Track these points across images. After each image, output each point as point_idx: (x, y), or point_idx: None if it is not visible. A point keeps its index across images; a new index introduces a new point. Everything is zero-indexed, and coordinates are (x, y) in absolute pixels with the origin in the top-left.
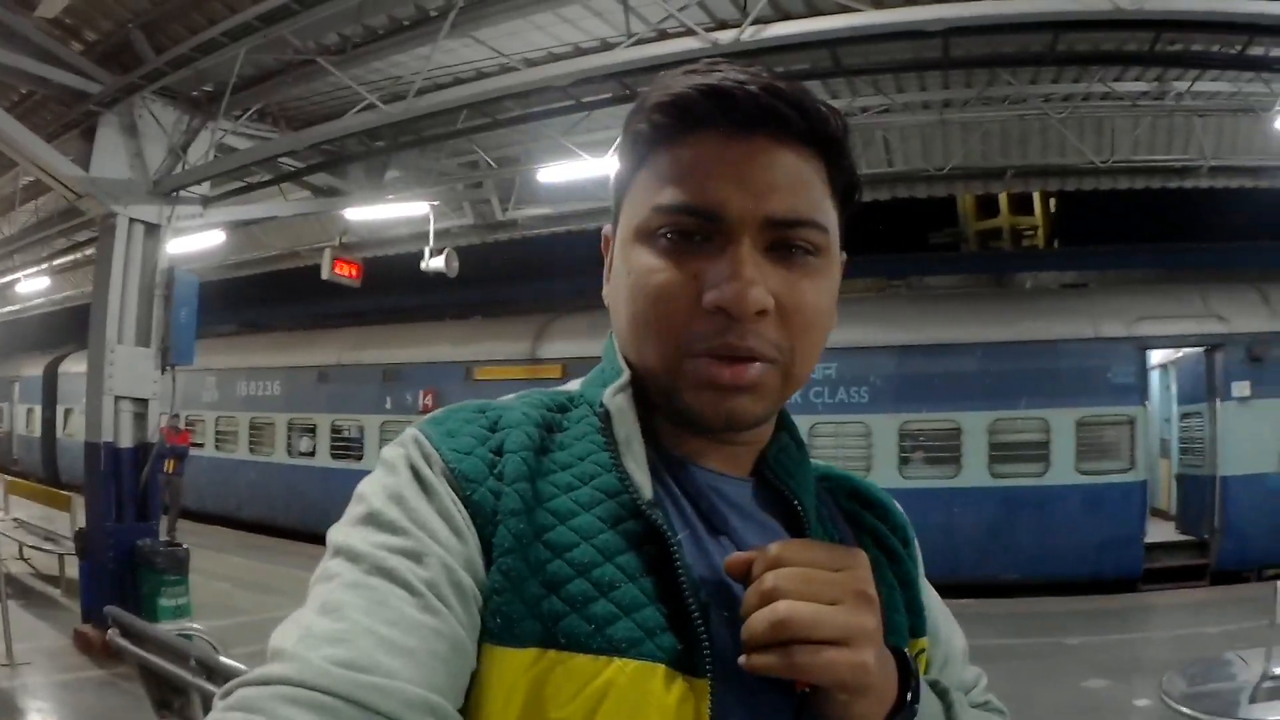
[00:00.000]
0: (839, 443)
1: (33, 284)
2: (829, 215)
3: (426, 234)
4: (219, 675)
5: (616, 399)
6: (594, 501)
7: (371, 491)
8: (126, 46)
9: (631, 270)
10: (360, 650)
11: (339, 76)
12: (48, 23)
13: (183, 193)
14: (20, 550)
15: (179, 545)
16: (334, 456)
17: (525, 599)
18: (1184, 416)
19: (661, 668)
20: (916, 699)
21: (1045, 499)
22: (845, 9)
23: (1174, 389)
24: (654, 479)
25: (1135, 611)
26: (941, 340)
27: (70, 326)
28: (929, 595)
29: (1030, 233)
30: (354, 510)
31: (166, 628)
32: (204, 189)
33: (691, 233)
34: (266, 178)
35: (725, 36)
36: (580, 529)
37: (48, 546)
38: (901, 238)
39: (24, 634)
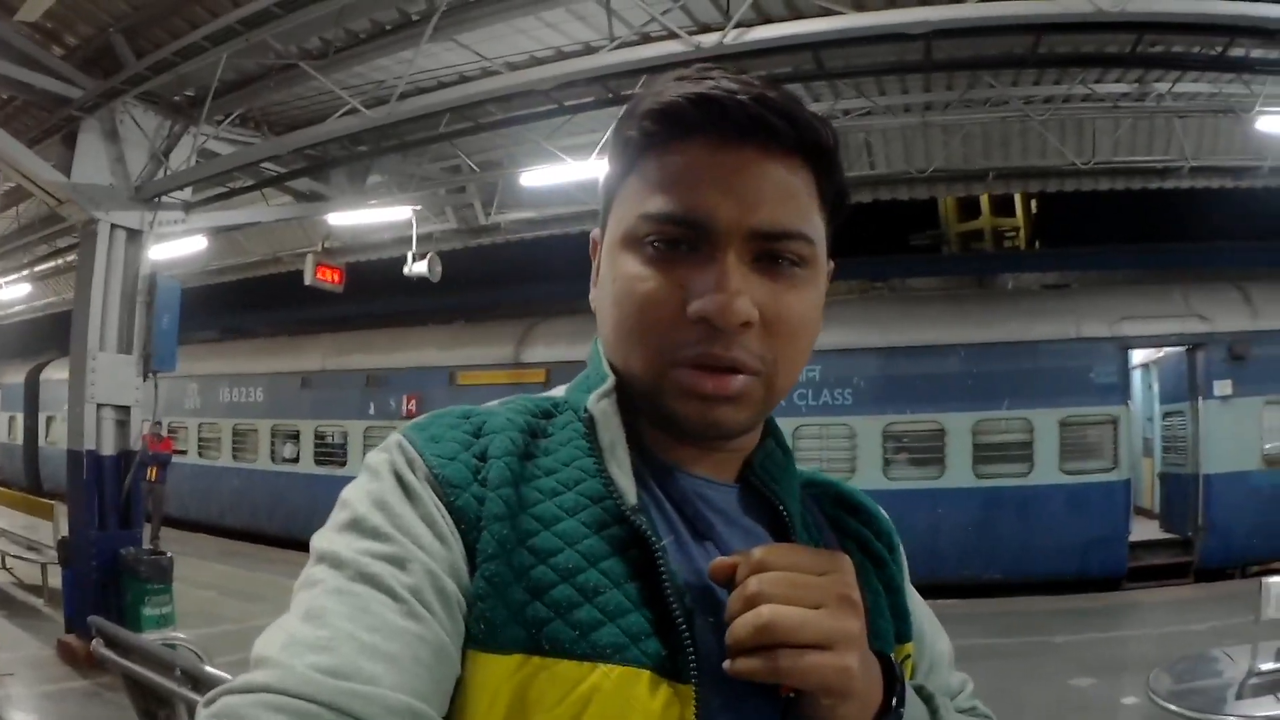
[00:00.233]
0: (823, 444)
1: (14, 290)
2: (817, 226)
3: (409, 238)
4: (204, 685)
5: (601, 404)
6: (578, 507)
7: (355, 497)
8: (108, 51)
9: (618, 277)
10: (343, 657)
11: (321, 81)
12: (28, 27)
13: (164, 198)
14: (3, 559)
15: (162, 553)
16: (318, 463)
17: (509, 605)
18: (1166, 415)
19: (646, 673)
20: (901, 704)
21: (1029, 499)
22: (828, 12)
23: (1156, 388)
24: (639, 484)
25: (1120, 609)
26: (924, 342)
27: (52, 333)
28: (914, 601)
29: (1012, 234)
30: (338, 516)
31: (151, 637)
32: (186, 194)
33: (678, 241)
34: (249, 183)
35: (708, 40)
36: (564, 534)
37: (30, 555)
38: (883, 240)
39: (7, 644)
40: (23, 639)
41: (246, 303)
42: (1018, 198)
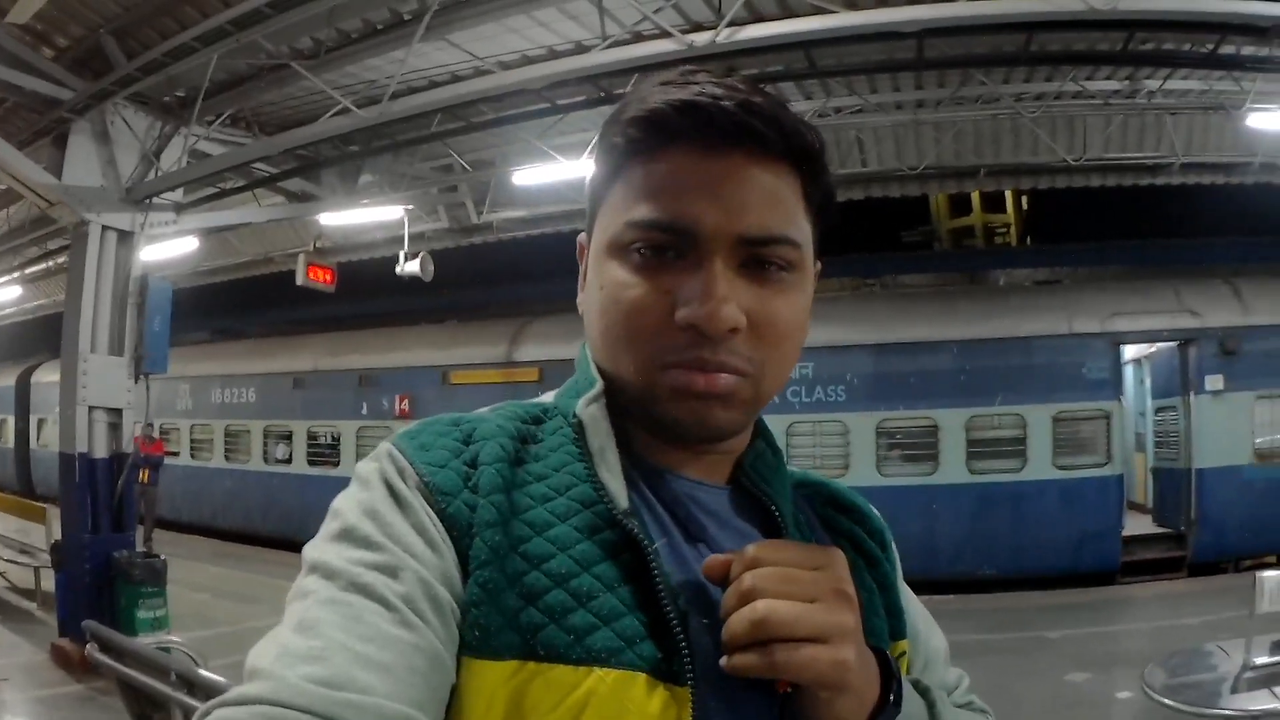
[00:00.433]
0: (817, 441)
1: (4, 293)
2: (803, 230)
3: (401, 238)
4: (199, 689)
5: (590, 409)
6: (570, 512)
7: (346, 507)
8: (98, 52)
9: (605, 284)
10: (336, 667)
11: (312, 81)
12: (18, 29)
13: (155, 200)
14: None
15: (156, 556)
16: (310, 463)
17: (503, 611)
18: (1159, 410)
19: (642, 676)
20: (899, 699)
21: (1023, 494)
22: (820, 10)
23: (1148, 383)
24: (630, 488)
25: (1114, 604)
26: (917, 338)
27: (43, 336)
28: (908, 598)
29: (1003, 230)
30: (329, 526)
31: (145, 640)
32: (177, 195)
33: (665, 248)
34: (240, 183)
35: (700, 39)
36: (557, 540)
37: (23, 559)
38: (875, 237)
39: (0, 649)
40: (16, 644)
41: (238, 303)
42: (1009, 194)
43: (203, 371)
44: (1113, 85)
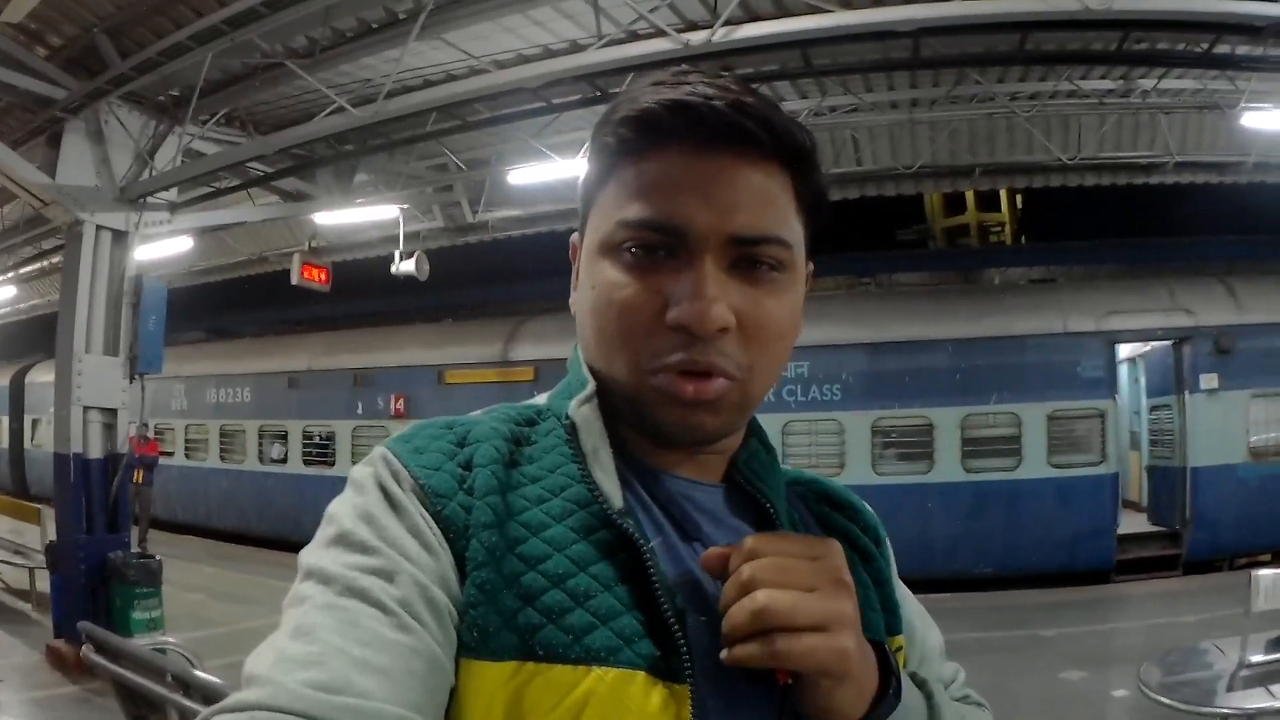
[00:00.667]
0: (812, 440)
1: None
2: (794, 230)
3: (396, 237)
4: (195, 690)
5: (582, 410)
6: (565, 513)
7: (341, 512)
8: (92, 51)
9: (596, 284)
10: (334, 671)
11: (307, 80)
12: (12, 28)
13: (150, 199)
14: None
15: (151, 557)
16: (306, 463)
17: (501, 612)
18: (1153, 409)
19: (641, 675)
20: (899, 691)
21: (1018, 493)
22: (815, 9)
23: (1143, 382)
24: (624, 488)
25: (1110, 602)
26: (912, 337)
27: (37, 336)
28: (903, 594)
29: (998, 229)
30: (324, 531)
31: (140, 641)
32: (171, 195)
33: (656, 248)
34: (234, 183)
35: (696, 38)
36: (553, 540)
37: (17, 560)
38: (870, 236)
39: None
40: (11, 645)
41: (233, 303)
42: (1003, 193)
43: (197, 371)
44: (1107, 85)
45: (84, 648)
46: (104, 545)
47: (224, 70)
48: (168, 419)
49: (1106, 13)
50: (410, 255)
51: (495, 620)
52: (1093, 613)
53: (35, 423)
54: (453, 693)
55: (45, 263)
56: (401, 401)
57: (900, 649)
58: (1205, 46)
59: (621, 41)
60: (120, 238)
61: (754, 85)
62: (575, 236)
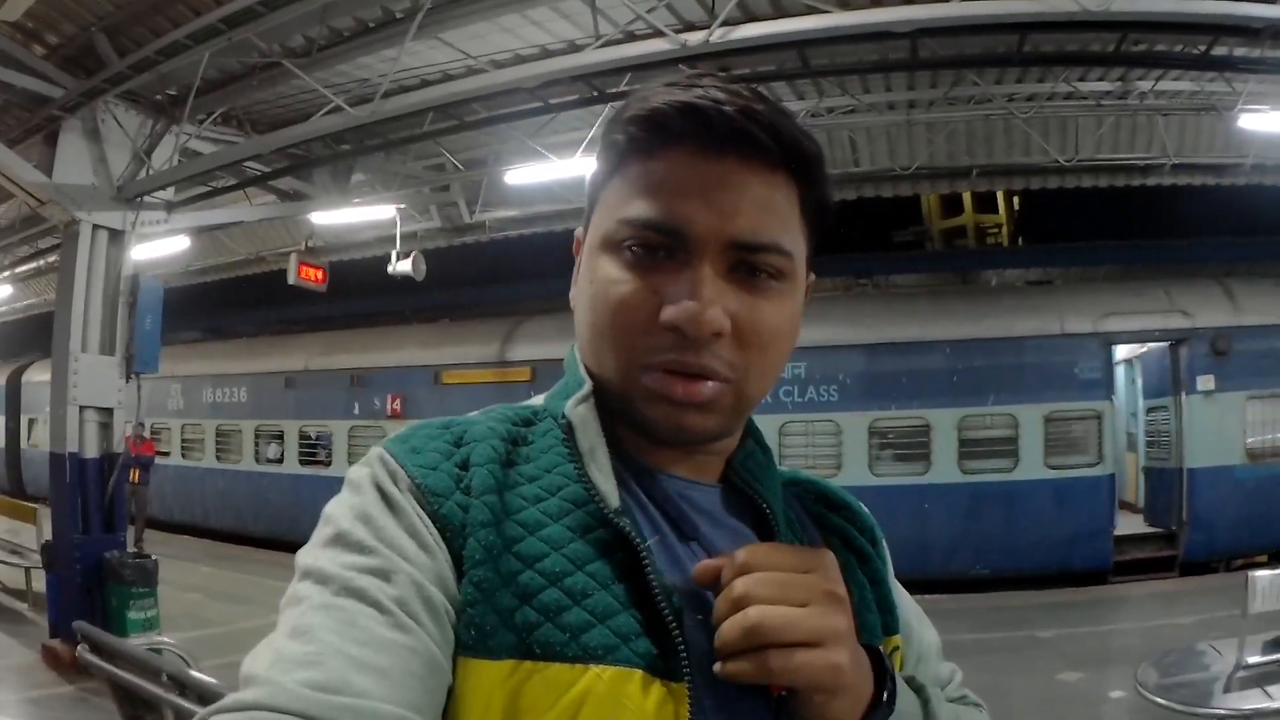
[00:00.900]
0: (809, 441)
1: None
2: (796, 239)
3: (393, 237)
4: (191, 690)
5: (579, 410)
6: (562, 512)
7: (338, 512)
8: (89, 50)
9: (595, 279)
10: (332, 671)
11: (304, 79)
12: (9, 26)
13: (147, 198)
14: None
15: (147, 556)
16: (302, 463)
17: (498, 610)
18: (1150, 410)
19: (638, 673)
20: (894, 698)
21: (1015, 494)
22: (813, 10)
23: (1140, 383)
24: (621, 487)
25: (1107, 603)
26: (909, 338)
27: (33, 335)
28: (899, 594)
29: (995, 231)
30: (321, 532)
31: (136, 641)
32: (168, 194)
33: (656, 248)
34: (231, 182)
35: (694, 38)
36: (550, 539)
37: (13, 560)
38: (867, 237)
39: None
40: (7, 644)
41: (230, 303)
42: (1000, 195)
43: (194, 371)
44: (1105, 86)
45: (80, 647)
46: (100, 545)
47: (221, 69)
48: (164, 419)
49: (1104, 14)
50: (407, 255)
51: (493, 619)
52: (1090, 614)
53: (31, 422)
54: (451, 691)
55: (41, 262)
56: (398, 402)
57: (897, 649)
58: (1203, 48)
59: (619, 42)
60: (117, 237)
61: (751, 85)
62: (580, 231)
